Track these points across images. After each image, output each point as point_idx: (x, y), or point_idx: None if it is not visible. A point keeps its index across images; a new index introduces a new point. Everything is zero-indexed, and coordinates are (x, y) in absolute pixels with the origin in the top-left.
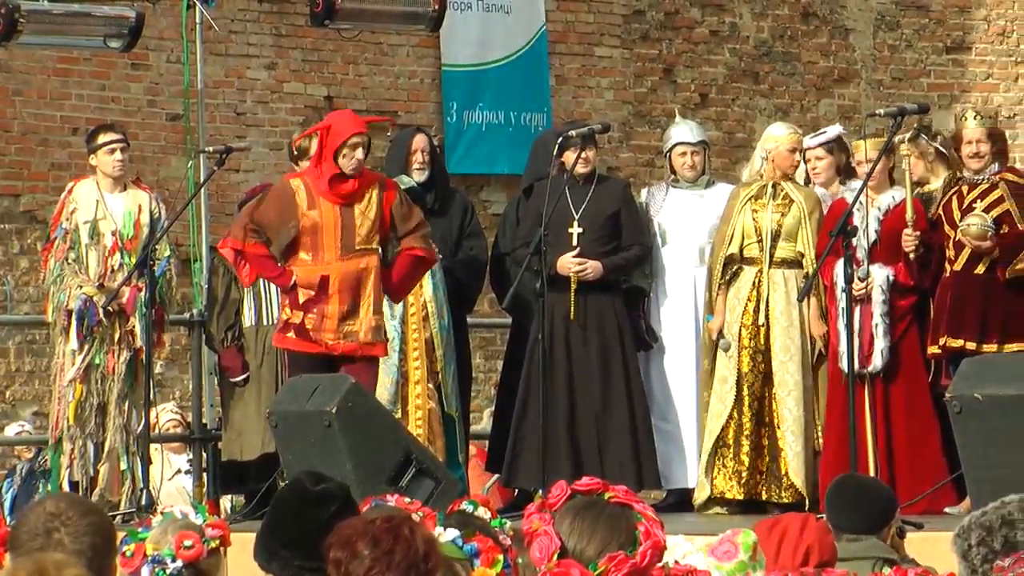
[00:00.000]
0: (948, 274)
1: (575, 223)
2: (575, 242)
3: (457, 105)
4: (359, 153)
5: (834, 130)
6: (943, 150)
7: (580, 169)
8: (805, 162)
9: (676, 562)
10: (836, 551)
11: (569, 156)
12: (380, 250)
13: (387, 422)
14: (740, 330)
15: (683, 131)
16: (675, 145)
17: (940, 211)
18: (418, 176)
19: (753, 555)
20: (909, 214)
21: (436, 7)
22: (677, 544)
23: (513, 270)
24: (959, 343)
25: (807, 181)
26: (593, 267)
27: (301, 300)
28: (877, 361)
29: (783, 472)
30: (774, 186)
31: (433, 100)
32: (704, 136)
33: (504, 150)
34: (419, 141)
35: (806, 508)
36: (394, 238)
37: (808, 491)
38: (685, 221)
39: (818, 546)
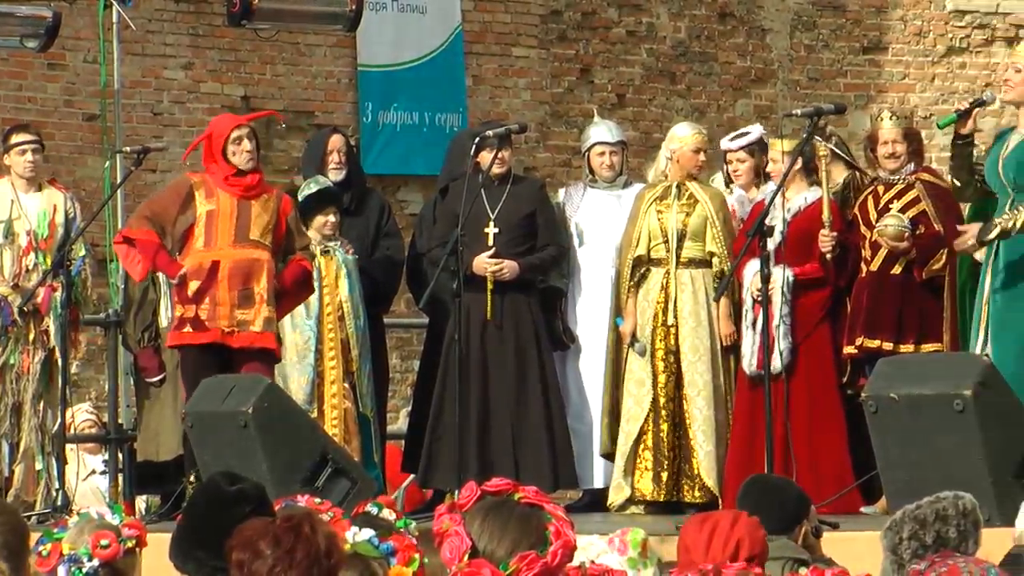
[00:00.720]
0: (864, 275)
1: (491, 223)
2: (491, 242)
3: (372, 105)
4: (247, 145)
5: (756, 131)
6: (838, 151)
7: (496, 169)
8: (726, 163)
9: (592, 562)
10: (767, 547)
11: (485, 156)
12: (273, 252)
13: (303, 422)
14: (651, 332)
15: (602, 131)
16: (594, 145)
17: (856, 211)
18: (334, 176)
19: (643, 552)
20: (826, 215)
21: (353, 7)
22: (591, 544)
23: (430, 270)
24: (876, 343)
25: (728, 183)
26: (509, 267)
27: (192, 292)
28: (776, 362)
29: (695, 472)
30: (679, 186)
31: (350, 100)
32: (623, 136)
33: (419, 150)
34: (335, 141)
35: (719, 507)
36: (287, 250)
37: (723, 490)
38: (602, 221)
39: (748, 541)
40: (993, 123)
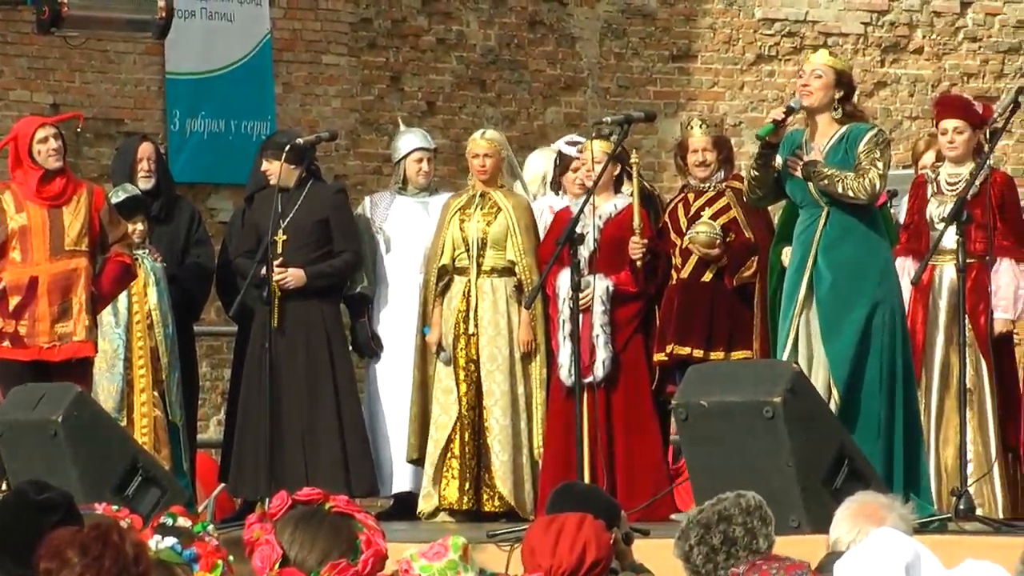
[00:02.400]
0: (675, 282)
1: (280, 231)
2: (279, 250)
3: (180, 113)
4: (52, 144)
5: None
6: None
7: (272, 180)
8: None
9: (405, 571)
10: (612, 550)
11: (266, 166)
12: (90, 254)
13: (113, 431)
14: (454, 341)
15: (417, 138)
16: (412, 151)
17: (666, 219)
18: (144, 184)
19: (464, 556)
20: (636, 222)
21: (163, 15)
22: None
23: (239, 279)
24: (686, 350)
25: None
26: (294, 275)
27: (12, 307)
28: (599, 371)
29: (493, 481)
30: (482, 195)
31: (159, 108)
32: (434, 143)
33: (225, 159)
34: (145, 149)
35: (519, 517)
36: (103, 245)
37: (519, 499)
38: (409, 229)
39: (595, 543)
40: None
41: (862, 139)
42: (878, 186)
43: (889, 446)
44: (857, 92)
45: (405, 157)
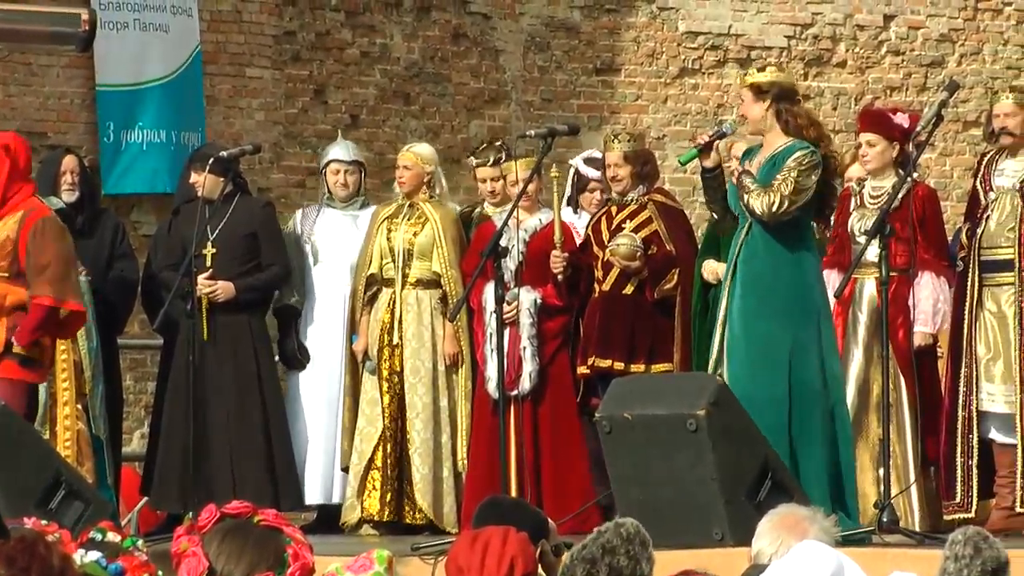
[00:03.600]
0: (597, 295)
1: (209, 244)
2: (209, 263)
3: (115, 125)
4: None
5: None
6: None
7: (202, 193)
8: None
9: None
10: (537, 563)
11: (195, 178)
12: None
13: (36, 444)
14: (379, 352)
15: (338, 150)
16: (329, 162)
17: (589, 232)
18: (67, 197)
19: (389, 569)
20: (557, 235)
21: (87, 28)
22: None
23: (164, 292)
24: (608, 363)
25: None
26: (223, 288)
27: None
28: (525, 384)
29: (413, 494)
30: (411, 205)
31: (84, 120)
32: (360, 157)
33: (166, 169)
34: (68, 162)
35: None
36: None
37: (439, 513)
38: (337, 241)
39: (522, 557)
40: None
41: (789, 157)
42: (778, 206)
43: (812, 460)
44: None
45: (325, 167)
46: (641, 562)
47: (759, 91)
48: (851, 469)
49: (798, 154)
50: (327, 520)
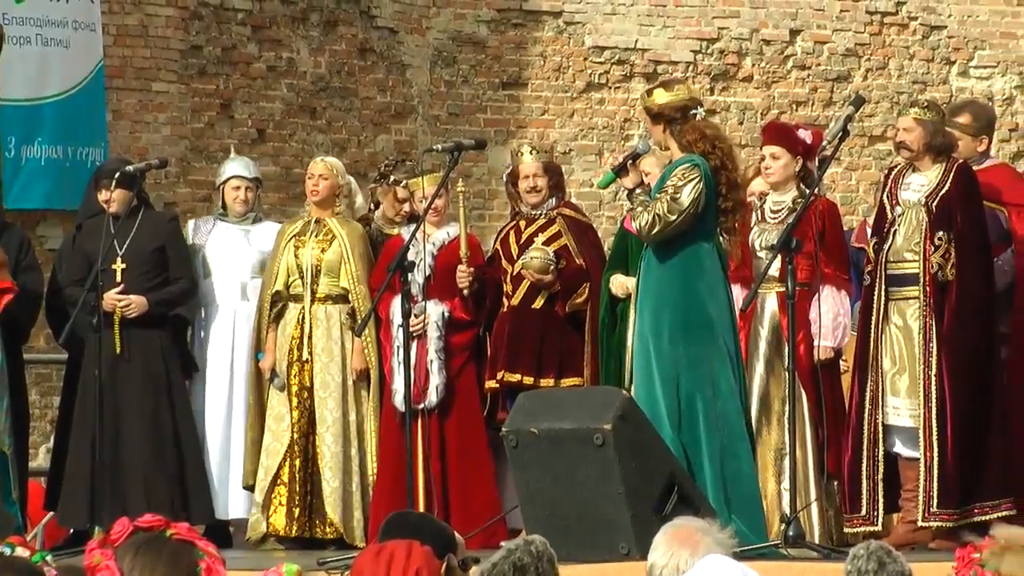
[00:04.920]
0: (506, 309)
1: (118, 259)
2: (119, 278)
3: (15, 139)
4: None
5: None
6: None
7: (113, 208)
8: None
9: None
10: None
11: (102, 195)
12: None
13: None
14: (287, 367)
15: (238, 166)
16: (229, 179)
17: (498, 246)
18: None
19: None
20: (463, 250)
21: None
22: None
23: (69, 307)
24: (517, 377)
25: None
26: (136, 302)
27: None
28: (432, 397)
29: (324, 508)
30: (317, 221)
31: None
32: (258, 174)
33: (63, 185)
34: None
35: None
36: None
37: (348, 527)
38: (229, 255)
39: (427, 570)
40: None
41: (671, 174)
42: (651, 226)
43: (703, 473)
44: (696, 114)
45: (224, 183)
46: None
47: (652, 115)
48: (752, 481)
49: (677, 170)
50: (223, 532)
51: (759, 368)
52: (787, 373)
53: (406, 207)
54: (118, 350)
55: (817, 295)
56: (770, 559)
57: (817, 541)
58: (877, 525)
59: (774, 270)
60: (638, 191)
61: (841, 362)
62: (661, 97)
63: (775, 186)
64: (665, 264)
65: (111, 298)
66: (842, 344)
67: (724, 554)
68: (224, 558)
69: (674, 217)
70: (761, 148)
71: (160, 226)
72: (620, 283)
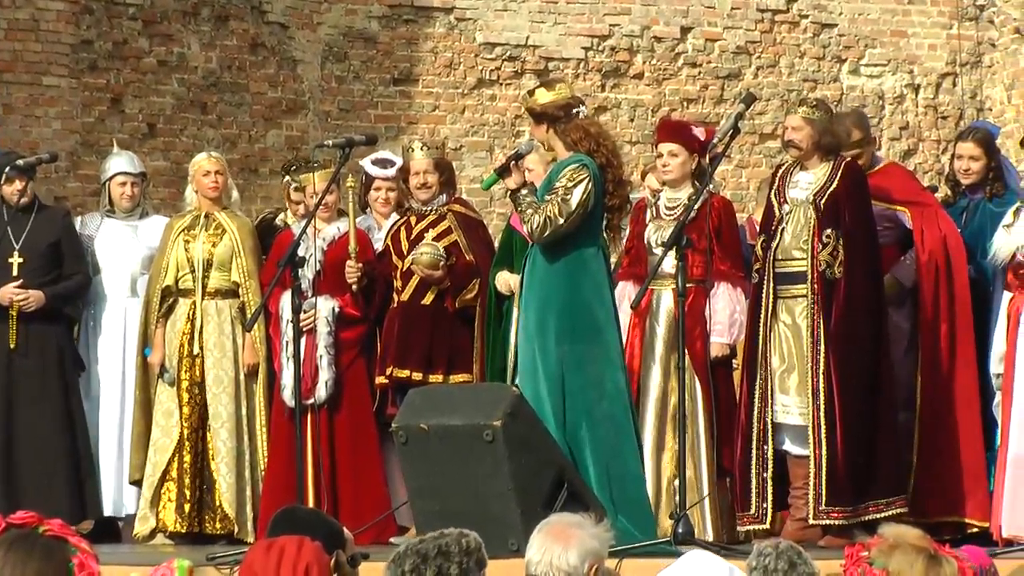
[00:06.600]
0: (396, 305)
1: (15, 253)
2: (16, 272)
3: None
4: None
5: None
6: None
7: (21, 200)
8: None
9: None
10: (332, 573)
11: (7, 187)
12: None
13: None
14: (178, 362)
15: (123, 162)
16: (115, 175)
17: (388, 241)
18: None
19: None
20: (352, 245)
21: None
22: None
23: None
24: (406, 373)
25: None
26: (35, 296)
27: None
28: (321, 392)
29: (217, 503)
30: (207, 216)
31: None
32: (143, 168)
33: None
34: None
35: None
36: None
37: (242, 521)
38: (118, 251)
39: (317, 566)
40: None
41: (558, 175)
42: (542, 228)
43: (587, 470)
44: (579, 112)
45: (110, 180)
46: None
47: (535, 115)
48: (638, 481)
49: (566, 171)
50: (106, 528)
51: (655, 366)
52: (675, 370)
53: (300, 208)
54: (13, 344)
55: (712, 292)
56: (659, 556)
57: (711, 539)
58: (765, 523)
59: (669, 267)
60: (524, 191)
61: (733, 360)
62: (543, 97)
63: (672, 183)
64: (551, 265)
65: (9, 291)
66: (737, 341)
67: (597, 548)
68: (98, 554)
69: (563, 220)
70: (656, 145)
71: (55, 221)
72: (504, 280)
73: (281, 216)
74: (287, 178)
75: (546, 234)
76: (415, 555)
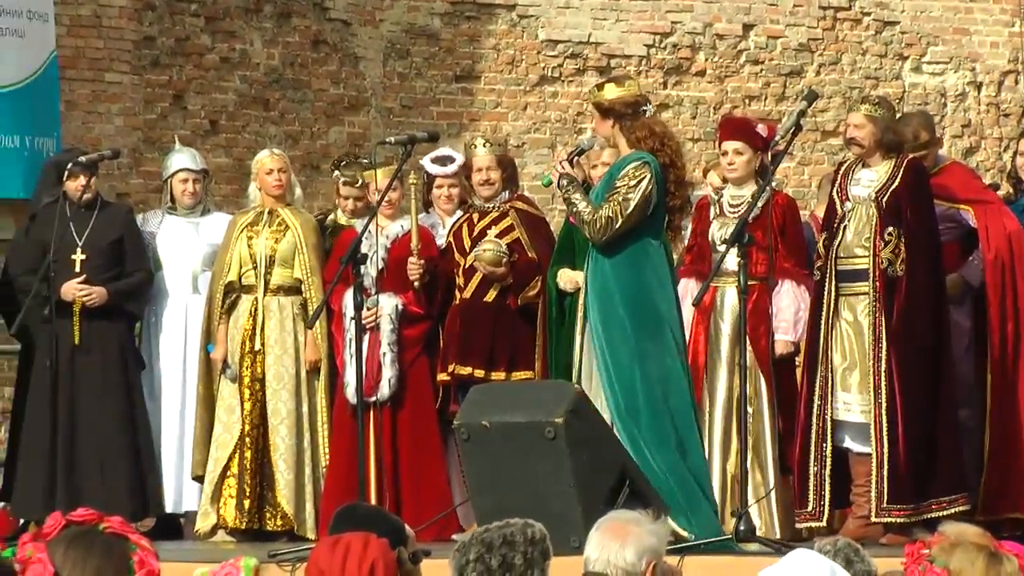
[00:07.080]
0: (458, 302)
1: (78, 250)
2: (79, 268)
3: None
4: None
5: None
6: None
7: (85, 196)
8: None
9: None
10: (397, 569)
11: (71, 184)
12: None
13: None
14: (240, 359)
15: (185, 158)
16: (177, 171)
17: (450, 238)
18: None
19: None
20: (414, 243)
21: None
22: None
23: (21, 296)
24: (467, 370)
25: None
26: (98, 293)
27: None
28: (384, 390)
29: (277, 500)
30: (270, 212)
31: None
32: (205, 164)
33: (19, 174)
34: None
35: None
36: None
37: (301, 518)
38: (179, 248)
39: (383, 563)
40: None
41: (619, 172)
42: (602, 228)
43: (663, 469)
44: (646, 110)
45: (172, 176)
46: (535, 569)
47: (602, 110)
48: (702, 475)
49: (628, 168)
50: (168, 525)
51: (722, 363)
52: (738, 367)
53: (348, 204)
54: (77, 340)
55: (776, 290)
56: (721, 554)
57: (779, 535)
58: (822, 520)
59: (732, 265)
60: (564, 181)
61: (796, 358)
62: (611, 92)
63: (736, 181)
64: (614, 259)
65: (74, 287)
66: (802, 339)
67: (654, 544)
68: (158, 551)
69: (624, 219)
70: (720, 143)
71: (117, 217)
72: (568, 277)
73: (331, 217)
74: (336, 172)
75: (605, 236)
76: (480, 544)
